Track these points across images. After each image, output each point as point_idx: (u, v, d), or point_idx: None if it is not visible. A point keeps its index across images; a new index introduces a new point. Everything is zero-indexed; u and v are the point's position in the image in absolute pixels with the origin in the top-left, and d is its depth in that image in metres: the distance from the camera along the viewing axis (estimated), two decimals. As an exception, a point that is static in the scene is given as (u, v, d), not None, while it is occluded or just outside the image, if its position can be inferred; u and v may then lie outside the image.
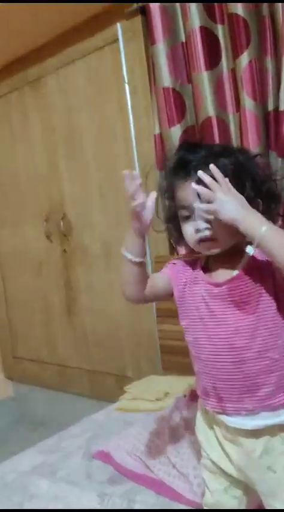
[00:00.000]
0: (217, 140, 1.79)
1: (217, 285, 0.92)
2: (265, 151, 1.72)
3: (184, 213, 0.91)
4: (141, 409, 1.83)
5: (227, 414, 0.92)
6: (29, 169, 2.64)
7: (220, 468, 0.97)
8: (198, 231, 0.89)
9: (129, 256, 0.93)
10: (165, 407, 1.73)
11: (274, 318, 0.88)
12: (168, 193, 0.96)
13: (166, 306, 2.19)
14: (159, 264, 1.97)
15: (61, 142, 2.46)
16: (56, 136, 2.47)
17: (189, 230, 0.91)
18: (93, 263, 2.43)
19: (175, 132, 1.89)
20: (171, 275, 1.00)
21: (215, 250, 0.91)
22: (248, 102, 1.72)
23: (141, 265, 0.94)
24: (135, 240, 0.92)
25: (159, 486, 1.35)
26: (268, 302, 0.88)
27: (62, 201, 2.50)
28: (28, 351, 2.89)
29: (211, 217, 0.87)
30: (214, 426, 0.97)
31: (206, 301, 0.93)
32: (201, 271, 0.96)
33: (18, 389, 3.02)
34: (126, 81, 2.09)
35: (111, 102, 2.19)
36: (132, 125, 2.13)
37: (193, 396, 1.74)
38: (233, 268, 0.91)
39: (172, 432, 1.49)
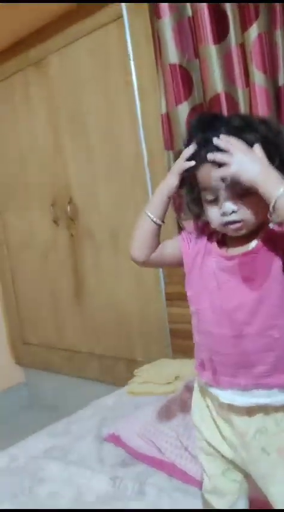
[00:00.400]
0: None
1: (229, 259, 0.90)
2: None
3: (208, 196, 0.89)
4: (151, 393, 1.82)
5: (220, 388, 0.91)
6: (33, 153, 2.60)
7: (216, 449, 0.96)
8: (224, 214, 0.87)
9: (152, 216, 0.95)
10: (175, 391, 1.71)
11: (280, 296, 0.86)
12: (189, 174, 0.92)
13: (175, 290, 2.17)
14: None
15: (65, 124, 2.42)
16: (60, 117, 2.43)
17: (214, 214, 0.89)
18: (101, 247, 2.40)
19: (183, 110, 1.83)
20: (183, 243, 0.99)
21: (241, 232, 0.89)
22: (258, 76, 1.66)
23: (158, 228, 0.97)
24: (162, 201, 0.95)
25: (171, 469, 1.34)
26: (275, 280, 0.86)
27: (68, 184, 2.47)
28: (37, 337, 2.88)
29: (235, 208, 0.86)
30: (209, 405, 0.96)
31: (215, 274, 0.92)
32: (216, 244, 0.95)
33: (28, 375, 3.02)
34: (131, 58, 2.03)
35: (116, 80, 2.14)
36: (138, 104, 2.07)
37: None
38: (248, 243, 0.89)
39: (184, 415, 1.47)
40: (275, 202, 0.78)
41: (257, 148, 0.83)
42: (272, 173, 0.80)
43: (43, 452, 1.51)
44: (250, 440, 0.90)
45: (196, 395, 1.01)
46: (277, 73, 1.70)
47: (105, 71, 2.17)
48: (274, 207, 0.79)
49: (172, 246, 1.00)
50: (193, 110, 1.83)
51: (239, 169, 0.80)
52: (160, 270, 2.19)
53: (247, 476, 0.98)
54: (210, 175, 0.86)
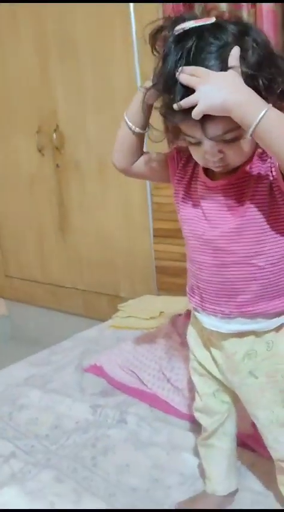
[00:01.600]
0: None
1: (213, 186, 0.84)
2: (281, 53, 1.56)
3: (190, 139, 0.79)
4: (134, 327, 1.80)
5: (206, 314, 0.90)
6: (19, 77, 2.42)
7: (208, 370, 0.96)
8: (208, 159, 0.79)
9: (130, 123, 0.88)
10: (159, 326, 1.70)
11: (263, 223, 0.81)
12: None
13: (163, 226, 2.11)
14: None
15: (53, 47, 2.24)
16: (48, 40, 2.24)
17: (197, 154, 0.81)
18: (87, 179, 2.30)
19: (182, 31, 1.70)
20: (172, 162, 0.92)
21: (227, 170, 0.82)
22: (266, -4, 1.53)
23: (139, 136, 0.90)
24: (141, 108, 0.85)
25: (152, 399, 1.34)
26: (259, 206, 0.80)
27: (55, 111, 2.32)
28: (20, 270, 2.83)
29: (221, 155, 0.76)
30: (202, 329, 0.95)
31: (199, 200, 0.87)
32: (201, 170, 0.88)
33: (11, 307, 2.99)
34: None
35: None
36: (133, 25, 1.92)
37: (189, 315, 1.70)
38: (235, 169, 0.82)
39: (168, 348, 1.46)
40: (256, 129, 0.68)
41: (234, 53, 0.70)
42: (245, 93, 0.69)
43: (24, 380, 1.49)
44: (239, 362, 0.89)
45: (193, 318, 0.99)
46: (286, -7, 1.57)
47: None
48: (254, 133, 0.69)
49: (159, 161, 0.94)
50: (193, 30, 1.70)
51: (207, 105, 0.69)
52: (149, 205, 2.13)
53: (235, 400, 0.98)
54: (191, 128, 0.75)
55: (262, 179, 0.80)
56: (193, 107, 0.70)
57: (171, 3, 1.68)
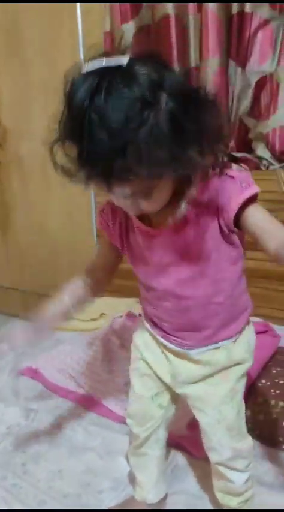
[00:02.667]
0: (173, 43, 1.62)
1: (154, 233, 0.79)
2: (224, 60, 1.59)
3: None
4: (74, 329, 1.76)
5: (169, 341, 0.88)
6: None
7: (153, 371, 0.92)
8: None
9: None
10: (99, 327, 1.67)
11: (218, 262, 0.79)
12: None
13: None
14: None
15: (-1, 36, 2.17)
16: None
17: (116, 201, 0.74)
18: (31, 176, 2.24)
19: (128, 30, 1.70)
20: (106, 229, 0.87)
21: (151, 213, 0.76)
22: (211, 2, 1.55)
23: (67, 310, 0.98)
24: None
25: (89, 402, 1.31)
26: (211, 247, 0.77)
27: (-3, 104, 2.25)
28: None
29: (137, 210, 0.73)
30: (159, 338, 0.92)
31: (144, 251, 0.81)
32: (136, 218, 0.80)
33: None
34: None
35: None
36: (79, 20, 1.89)
37: (129, 317, 1.68)
38: (174, 208, 0.74)
39: (106, 350, 1.44)
40: None
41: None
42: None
43: None
44: (198, 368, 0.87)
45: (144, 324, 0.94)
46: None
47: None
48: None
49: (107, 244, 0.90)
50: (139, 30, 1.69)
51: None
52: (93, 205, 2.10)
53: (175, 401, 0.95)
54: (98, 185, 0.65)
55: (209, 222, 0.76)
56: (103, 162, 0.62)
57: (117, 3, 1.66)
